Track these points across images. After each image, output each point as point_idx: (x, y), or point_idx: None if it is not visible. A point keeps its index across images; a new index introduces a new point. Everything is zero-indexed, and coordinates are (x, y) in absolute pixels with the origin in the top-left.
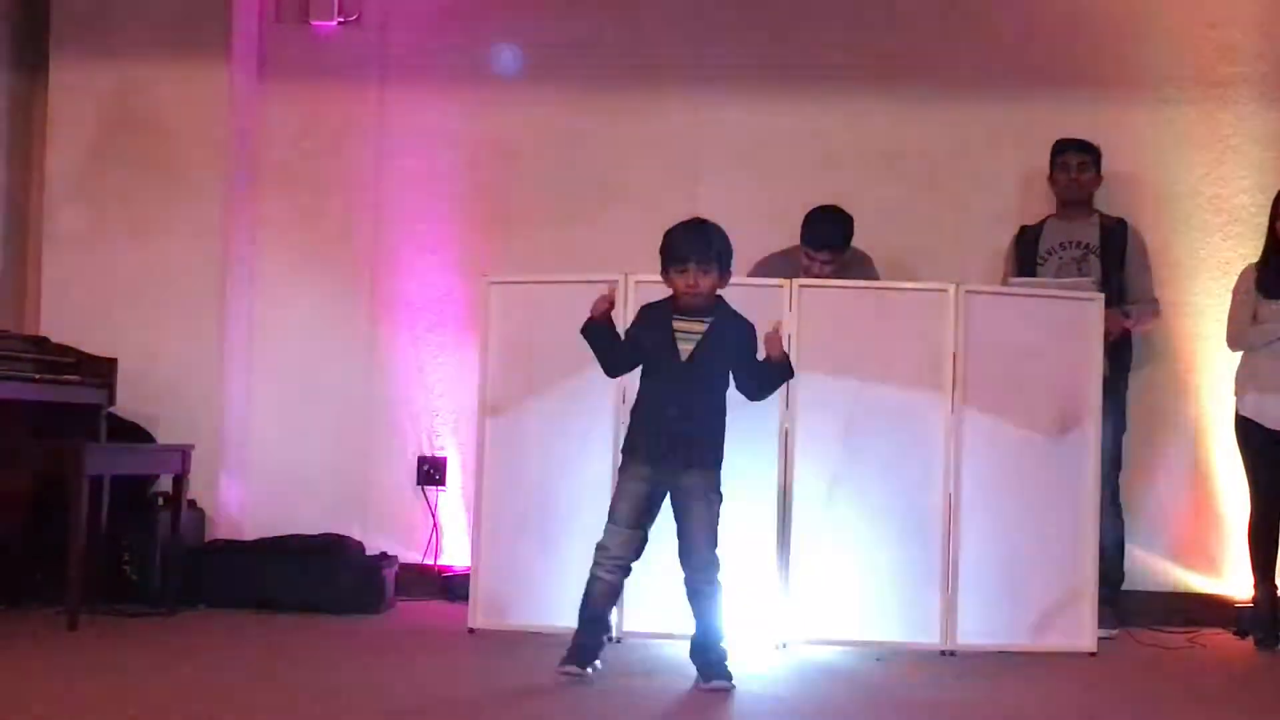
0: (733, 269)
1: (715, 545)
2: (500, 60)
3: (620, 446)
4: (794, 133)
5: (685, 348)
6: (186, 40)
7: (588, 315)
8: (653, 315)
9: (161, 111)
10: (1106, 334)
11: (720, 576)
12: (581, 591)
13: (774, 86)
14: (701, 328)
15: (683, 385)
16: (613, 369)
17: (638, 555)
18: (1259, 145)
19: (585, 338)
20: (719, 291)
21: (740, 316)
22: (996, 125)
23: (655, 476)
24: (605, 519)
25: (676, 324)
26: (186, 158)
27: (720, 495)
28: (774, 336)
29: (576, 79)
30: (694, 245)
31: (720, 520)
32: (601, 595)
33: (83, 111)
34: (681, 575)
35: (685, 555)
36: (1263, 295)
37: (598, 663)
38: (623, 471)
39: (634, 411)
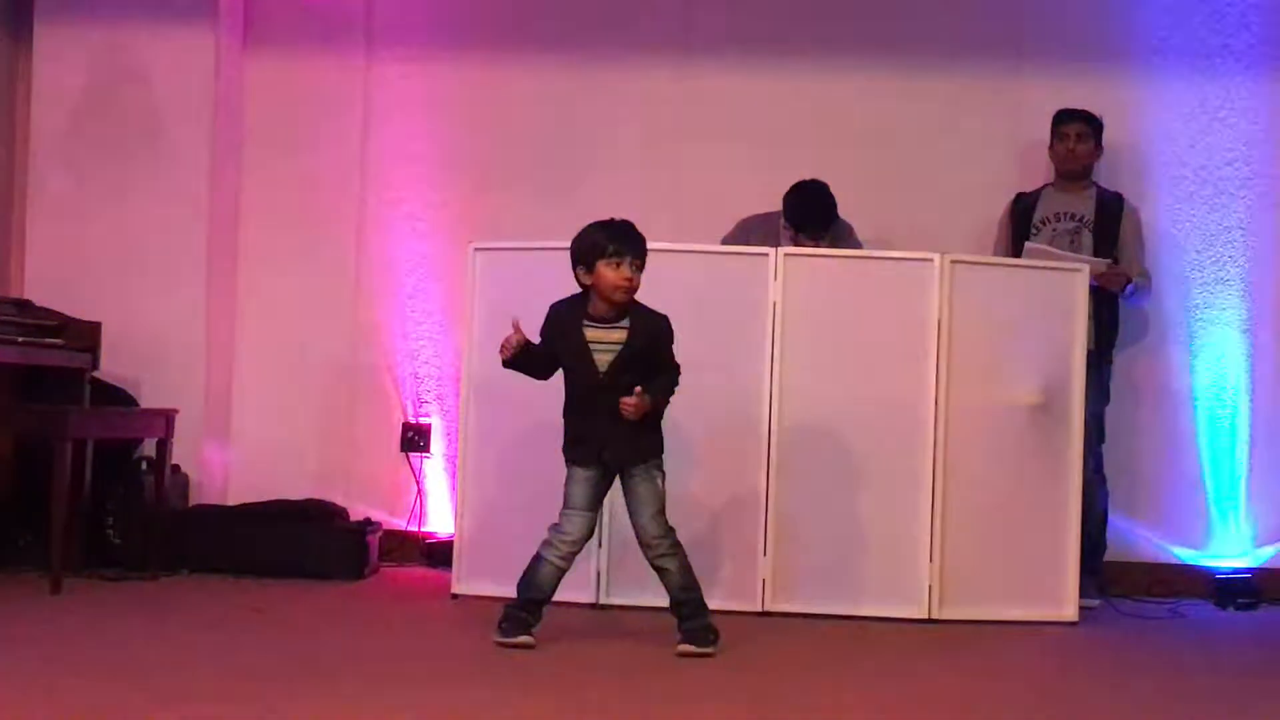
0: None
1: (664, 516)
2: None
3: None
4: (782, 101)
5: (603, 358)
6: (172, 4)
7: (501, 357)
8: (562, 320)
9: (147, 76)
10: (1107, 283)
11: (675, 543)
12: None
13: (762, 55)
14: (618, 337)
15: (606, 395)
16: (543, 377)
17: (590, 537)
18: (1245, 117)
19: (510, 369)
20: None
21: (655, 314)
22: (986, 96)
23: (603, 471)
24: None
25: (589, 332)
26: (172, 122)
27: (663, 472)
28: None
29: (564, 46)
30: (632, 241)
31: (666, 493)
32: (549, 579)
33: (68, 76)
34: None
35: (639, 533)
36: None
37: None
38: (571, 467)
39: (566, 414)
